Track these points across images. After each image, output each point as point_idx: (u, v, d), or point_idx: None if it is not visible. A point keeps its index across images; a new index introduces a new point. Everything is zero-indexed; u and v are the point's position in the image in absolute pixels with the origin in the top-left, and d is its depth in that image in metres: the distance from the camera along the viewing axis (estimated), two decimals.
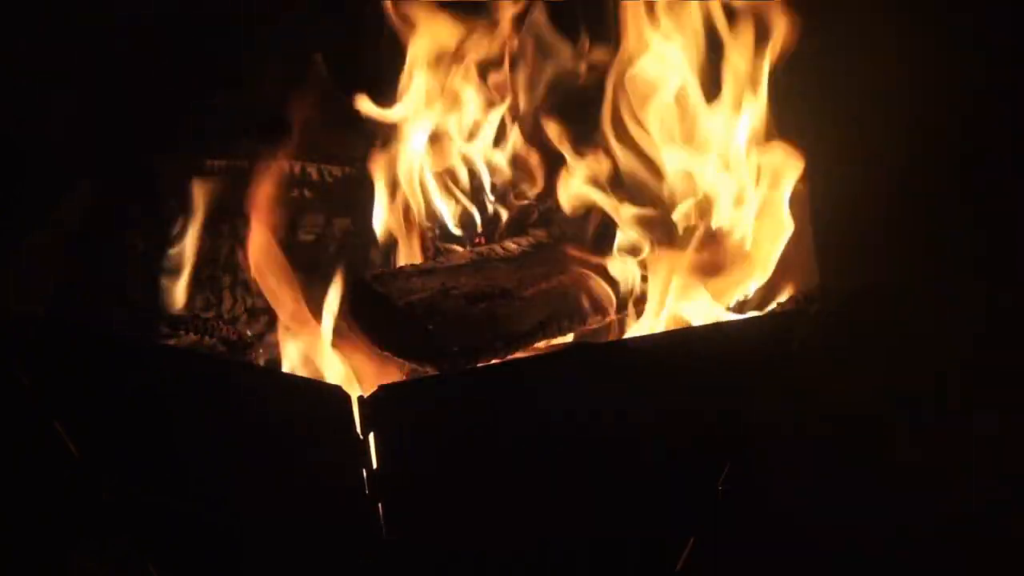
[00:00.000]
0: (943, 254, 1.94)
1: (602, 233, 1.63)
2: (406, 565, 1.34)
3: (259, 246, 1.50)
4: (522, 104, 1.71)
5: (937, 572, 1.61)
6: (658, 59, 1.59)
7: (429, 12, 1.66)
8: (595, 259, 1.58)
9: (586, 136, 1.64)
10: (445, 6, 1.67)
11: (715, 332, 1.43)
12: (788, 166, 1.52)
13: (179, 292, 1.71)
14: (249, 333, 1.70)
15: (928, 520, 1.66)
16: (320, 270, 1.69)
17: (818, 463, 1.75)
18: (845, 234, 1.65)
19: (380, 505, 1.27)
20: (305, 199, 1.81)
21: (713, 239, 1.55)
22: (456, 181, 1.72)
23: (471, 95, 1.70)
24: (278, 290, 1.49)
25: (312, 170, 1.81)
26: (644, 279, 1.57)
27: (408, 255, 1.66)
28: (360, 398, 1.19)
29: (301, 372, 1.46)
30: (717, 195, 1.58)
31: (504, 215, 1.71)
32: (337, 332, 1.51)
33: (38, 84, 1.77)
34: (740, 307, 1.55)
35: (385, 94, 1.68)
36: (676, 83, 1.59)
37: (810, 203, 1.57)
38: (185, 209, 1.71)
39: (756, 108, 1.56)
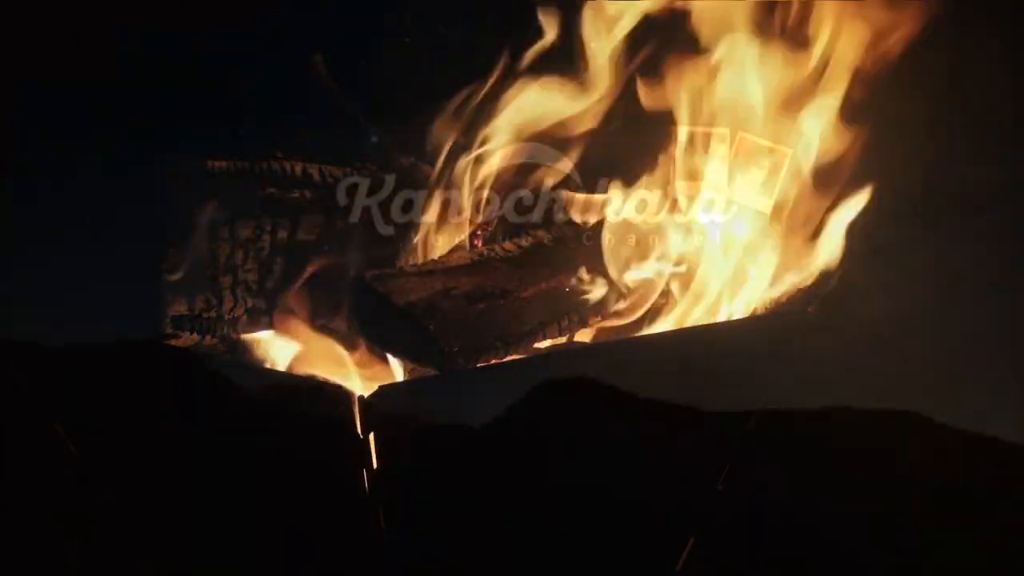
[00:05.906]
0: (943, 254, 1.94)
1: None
2: (406, 565, 1.34)
3: None
4: None
5: (936, 572, 1.61)
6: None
7: None
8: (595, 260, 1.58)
9: None
10: None
11: (715, 332, 1.43)
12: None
13: (180, 292, 1.72)
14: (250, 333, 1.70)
15: (928, 521, 1.66)
16: (320, 270, 1.70)
17: (817, 462, 1.75)
18: (847, 234, 1.65)
19: (380, 505, 1.27)
20: (305, 199, 1.80)
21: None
22: None
23: None
24: None
25: (313, 170, 1.80)
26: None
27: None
28: (360, 398, 1.19)
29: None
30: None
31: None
32: (337, 333, 1.51)
33: (39, 83, 1.77)
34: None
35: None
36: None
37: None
38: (187, 209, 1.72)
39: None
